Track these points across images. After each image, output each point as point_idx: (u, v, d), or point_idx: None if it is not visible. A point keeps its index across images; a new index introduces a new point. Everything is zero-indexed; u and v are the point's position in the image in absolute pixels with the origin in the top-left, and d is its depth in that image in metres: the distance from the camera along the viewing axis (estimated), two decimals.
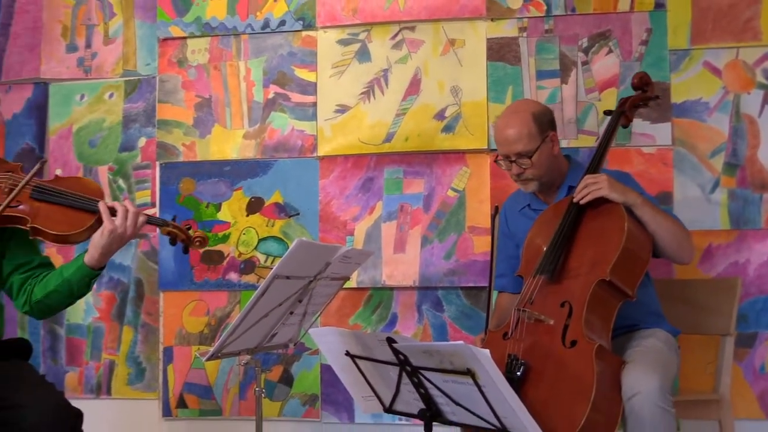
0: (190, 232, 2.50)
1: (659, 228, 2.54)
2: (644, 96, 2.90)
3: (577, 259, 2.53)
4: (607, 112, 2.92)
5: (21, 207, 2.33)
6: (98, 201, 2.43)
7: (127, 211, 2.36)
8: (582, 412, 2.19)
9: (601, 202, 2.55)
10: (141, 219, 2.39)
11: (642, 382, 2.26)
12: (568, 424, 2.20)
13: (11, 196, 2.30)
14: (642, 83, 2.90)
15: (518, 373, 2.35)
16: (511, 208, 3.01)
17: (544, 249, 2.58)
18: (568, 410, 2.22)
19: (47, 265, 2.55)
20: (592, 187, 2.54)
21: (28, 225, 2.33)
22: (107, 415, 3.73)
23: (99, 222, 2.38)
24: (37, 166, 2.41)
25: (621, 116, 2.84)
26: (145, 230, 2.39)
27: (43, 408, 2.18)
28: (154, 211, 3.74)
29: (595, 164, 2.69)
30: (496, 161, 2.87)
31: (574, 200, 2.57)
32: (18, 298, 2.49)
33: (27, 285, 2.47)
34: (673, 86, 3.34)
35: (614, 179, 2.56)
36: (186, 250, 2.52)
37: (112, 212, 2.40)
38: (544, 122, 2.79)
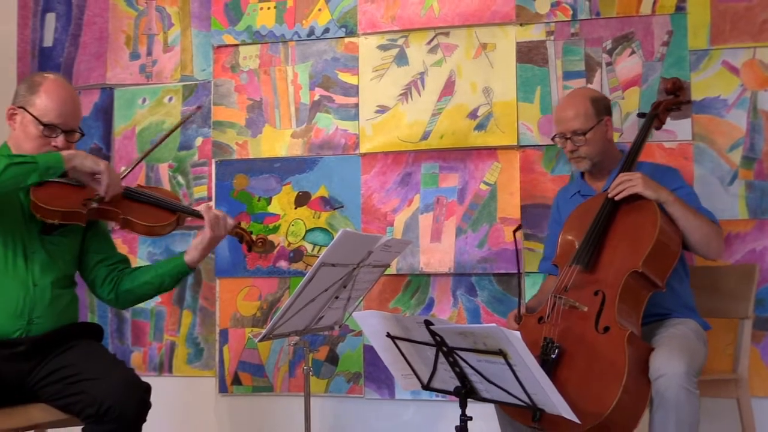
0: (253, 235, 2.68)
1: (689, 225, 2.52)
2: (677, 100, 2.86)
3: (611, 250, 2.51)
4: (640, 115, 2.88)
5: (114, 203, 2.47)
6: (177, 202, 2.65)
7: (218, 218, 2.53)
8: (614, 394, 2.18)
9: (635, 198, 2.52)
10: (230, 222, 2.57)
11: (668, 364, 2.24)
12: (600, 405, 2.18)
13: (131, 166, 2.60)
14: (675, 88, 2.87)
15: (552, 356, 2.34)
16: (562, 197, 3.01)
17: (580, 240, 2.56)
18: (600, 392, 2.21)
19: (125, 261, 2.69)
20: (627, 184, 2.51)
21: (120, 217, 2.47)
22: (169, 391, 3.76)
23: (178, 221, 2.57)
24: (180, 122, 2.77)
25: (654, 119, 2.81)
26: (199, 223, 2.58)
27: (117, 381, 2.24)
28: (211, 204, 3.77)
29: (630, 162, 2.67)
30: (552, 139, 2.86)
31: (609, 196, 2.55)
32: (102, 287, 2.60)
33: (112, 276, 2.60)
34: (693, 84, 3.30)
35: (648, 177, 2.53)
36: (249, 249, 2.68)
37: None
38: (601, 107, 2.79)
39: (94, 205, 2.38)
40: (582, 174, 2.93)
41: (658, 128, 2.86)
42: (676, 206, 2.51)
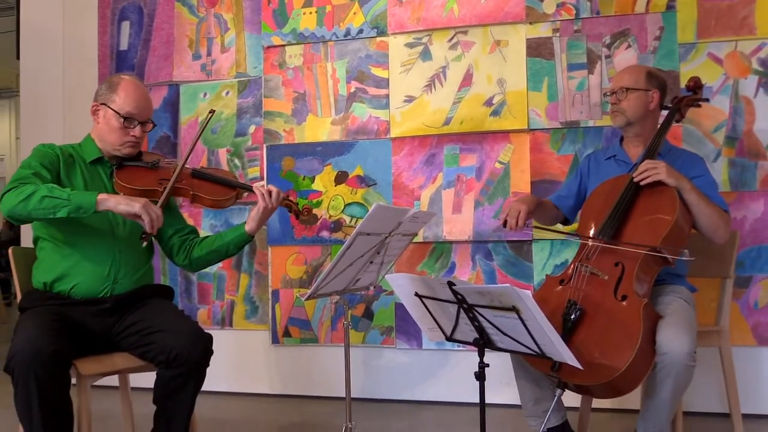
0: (300, 206, 2.64)
1: (700, 212, 2.44)
2: (696, 97, 2.76)
3: (632, 228, 2.44)
4: (663, 108, 2.78)
5: (185, 182, 2.48)
6: (235, 180, 2.61)
7: (270, 192, 2.51)
8: (628, 356, 2.15)
9: (656, 183, 2.45)
10: (281, 196, 2.55)
11: (675, 343, 2.20)
12: (615, 363, 2.16)
13: (186, 155, 2.48)
14: (695, 86, 2.77)
15: (573, 316, 2.31)
16: (596, 158, 2.88)
17: (605, 215, 2.49)
18: (616, 352, 2.18)
19: (195, 231, 2.70)
20: (651, 171, 2.42)
21: (191, 193, 2.47)
22: (229, 342, 3.84)
23: (237, 195, 2.56)
24: (205, 123, 2.62)
25: (676, 112, 2.73)
26: (253, 198, 2.56)
27: (184, 332, 2.25)
28: (263, 183, 3.79)
29: (654, 150, 2.58)
30: (604, 95, 2.76)
31: (635, 180, 2.47)
32: (178, 255, 2.62)
33: (185, 245, 2.62)
34: (682, 74, 3.25)
35: (671, 166, 2.45)
36: (297, 218, 2.64)
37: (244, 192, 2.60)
38: (654, 81, 2.68)
39: (144, 244, 2.31)
40: (621, 141, 2.81)
41: (679, 121, 2.76)
42: (692, 194, 2.43)
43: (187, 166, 2.52)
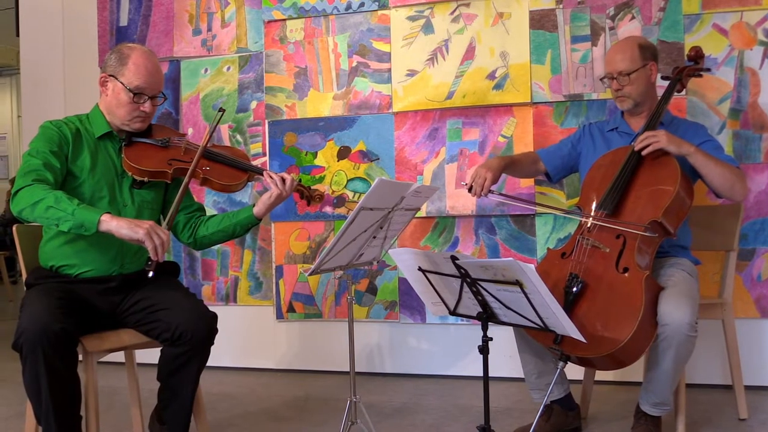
0: (311, 191, 2.60)
1: (710, 172, 2.43)
2: (698, 67, 2.74)
3: (634, 199, 2.43)
4: (664, 78, 2.75)
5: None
6: (248, 163, 2.54)
7: (284, 180, 2.47)
8: (630, 328, 2.17)
9: (658, 153, 2.44)
10: (294, 184, 2.51)
11: (676, 314, 2.21)
12: (618, 335, 2.18)
13: (197, 155, 2.39)
14: (697, 56, 2.75)
15: (575, 289, 2.32)
16: (598, 128, 2.87)
17: (606, 187, 2.48)
18: (618, 324, 2.20)
19: (201, 209, 2.64)
20: (651, 140, 2.42)
21: (201, 176, 2.42)
22: (234, 318, 3.86)
23: (249, 179, 2.52)
24: (215, 123, 2.49)
25: (677, 83, 2.71)
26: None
27: (188, 311, 2.25)
28: (265, 160, 3.80)
29: (655, 120, 2.57)
30: (602, 80, 2.74)
31: (636, 149, 2.46)
32: (183, 233, 2.57)
33: (191, 223, 2.57)
34: (687, 45, 3.22)
35: (671, 134, 2.44)
36: (309, 203, 2.61)
37: (255, 174, 2.53)
38: (647, 53, 2.67)
39: (151, 274, 2.15)
40: (622, 113, 2.80)
41: (680, 91, 2.74)
42: (697, 157, 2.42)
43: (198, 144, 2.47)
